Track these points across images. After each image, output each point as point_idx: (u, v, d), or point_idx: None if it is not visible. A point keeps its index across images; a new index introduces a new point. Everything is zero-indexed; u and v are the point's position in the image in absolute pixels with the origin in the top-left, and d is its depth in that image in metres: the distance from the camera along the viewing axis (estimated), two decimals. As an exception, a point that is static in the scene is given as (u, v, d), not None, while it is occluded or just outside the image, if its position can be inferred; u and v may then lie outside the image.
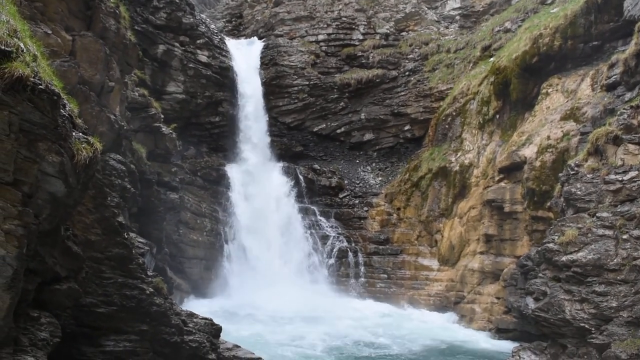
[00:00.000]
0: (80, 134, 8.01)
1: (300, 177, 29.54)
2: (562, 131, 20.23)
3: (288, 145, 31.65)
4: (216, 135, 29.48)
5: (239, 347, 13.08)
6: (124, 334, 10.31)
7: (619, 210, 12.03)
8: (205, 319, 12.36)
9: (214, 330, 12.29)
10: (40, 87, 6.92)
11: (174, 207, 22.66)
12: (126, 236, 10.38)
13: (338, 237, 28.13)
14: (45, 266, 7.90)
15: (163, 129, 21.24)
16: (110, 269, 10.03)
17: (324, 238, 28.18)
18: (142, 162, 18.63)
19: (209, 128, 29.24)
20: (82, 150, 7.56)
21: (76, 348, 9.87)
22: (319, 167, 30.73)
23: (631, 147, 12.72)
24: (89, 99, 13.61)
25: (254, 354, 13.02)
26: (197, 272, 24.67)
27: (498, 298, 21.42)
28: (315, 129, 32.40)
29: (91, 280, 9.72)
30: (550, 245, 12.50)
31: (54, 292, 8.33)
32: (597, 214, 12.25)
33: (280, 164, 29.89)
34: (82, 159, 7.53)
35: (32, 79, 6.78)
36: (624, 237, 11.56)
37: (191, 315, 12.14)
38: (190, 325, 11.59)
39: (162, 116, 21.65)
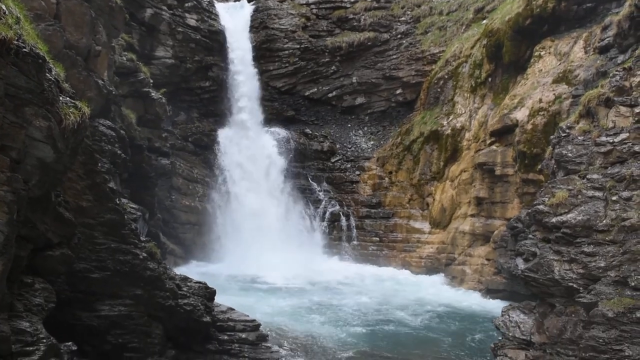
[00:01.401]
0: (68, 98, 7.89)
1: (292, 141, 29.44)
2: (554, 94, 20.16)
3: (279, 109, 31.42)
4: (207, 101, 29.17)
5: (233, 309, 13.26)
6: (118, 298, 10.41)
7: (609, 172, 12.07)
8: (199, 282, 12.47)
9: (208, 293, 12.41)
10: (25, 50, 6.77)
11: (166, 173, 22.58)
12: (118, 202, 10.36)
13: (330, 201, 28.26)
14: (37, 232, 7.89)
15: (152, 94, 20.95)
16: (103, 234, 10.05)
17: (316, 202, 28.29)
18: (132, 128, 18.44)
19: (199, 93, 28.90)
20: (70, 115, 7.45)
21: (71, 313, 9.96)
22: (310, 132, 30.61)
23: (623, 109, 12.69)
24: (75, 64, 13.36)
25: (248, 316, 13.20)
26: (190, 238, 24.79)
27: (488, 259, 21.73)
28: (307, 93, 32.13)
29: (84, 246, 9.74)
30: (541, 207, 12.58)
31: (47, 259, 8.34)
32: (587, 176, 12.29)
33: (272, 129, 29.73)
34: (70, 123, 7.43)
35: (15, 42, 6.62)
36: (614, 198, 11.64)
37: (185, 279, 12.24)
38: (185, 289, 11.69)
39: (151, 81, 21.34)
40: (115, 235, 10.17)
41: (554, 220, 12.20)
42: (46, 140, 7.07)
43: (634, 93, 12.76)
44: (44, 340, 7.50)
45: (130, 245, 10.35)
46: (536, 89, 21.11)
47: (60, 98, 7.56)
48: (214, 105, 29.11)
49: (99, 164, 9.99)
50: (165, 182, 23.36)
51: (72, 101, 7.90)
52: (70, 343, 9.08)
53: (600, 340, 10.61)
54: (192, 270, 20.36)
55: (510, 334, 13.10)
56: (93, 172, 9.71)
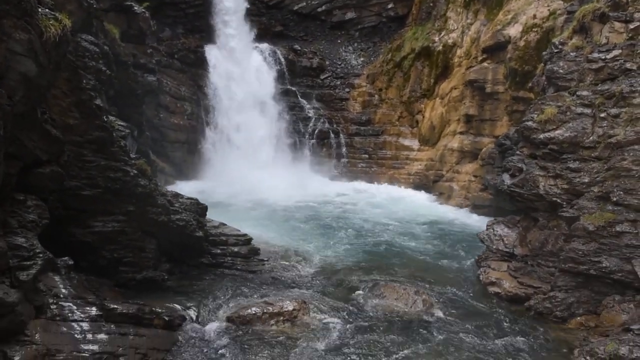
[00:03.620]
0: (47, 10, 7.60)
1: (281, 58, 28.81)
2: (548, 10, 19.70)
3: (267, 25, 30.44)
4: (192, 16, 28.06)
5: (225, 225, 13.54)
6: (111, 215, 10.56)
7: (599, 88, 12.06)
8: (191, 199, 12.64)
9: (200, 209, 12.61)
10: (-2, -42, 6.44)
11: (152, 90, 22.18)
12: (105, 119, 10.25)
13: (319, 118, 28.13)
14: (25, 150, 7.86)
15: (135, 8, 20.20)
16: (92, 152, 10.01)
17: (306, 120, 28.17)
18: (116, 44, 17.90)
19: (184, 8, 27.77)
20: (51, 27, 7.21)
21: (66, 230, 10.12)
22: (299, 48, 29.90)
23: (617, 24, 12.47)
24: (52, -26, 12.73)
25: (239, 230, 13.50)
26: (180, 156, 24.76)
27: (475, 176, 22.08)
28: (295, 7, 31.02)
29: (74, 164, 9.73)
30: (529, 123, 12.65)
31: (38, 176, 8.37)
32: (577, 93, 12.28)
33: (260, 45, 28.97)
34: (52, 36, 7.21)
35: (-13, -51, 6.28)
36: (602, 115, 11.71)
37: (177, 195, 12.38)
38: (177, 205, 11.85)
39: (133, -6, 20.48)
40: (105, 153, 10.15)
41: (541, 136, 12.31)
42: (27, 54, 6.88)
43: (630, 8, 12.50)
44: (41, 255, 7.68)
45: (120, 162, 10.35)
46: (531, 5, 20.59)
47: (39, 9, 7.29)
48: (199, 21, 28.08)
49: (84, 81, 9.77)
50: (153, 100, 22.98)
51: (52, 13, 7.61)
52: (66, 258, 9.31)
53: (580, 252, 11.05)
54: (183, 188, 20.49)
55: (494, 247, 13.59)
56: (78, 89, 9.52)
